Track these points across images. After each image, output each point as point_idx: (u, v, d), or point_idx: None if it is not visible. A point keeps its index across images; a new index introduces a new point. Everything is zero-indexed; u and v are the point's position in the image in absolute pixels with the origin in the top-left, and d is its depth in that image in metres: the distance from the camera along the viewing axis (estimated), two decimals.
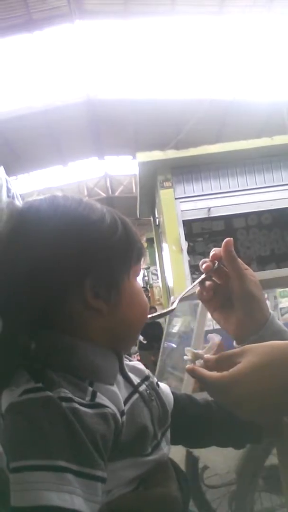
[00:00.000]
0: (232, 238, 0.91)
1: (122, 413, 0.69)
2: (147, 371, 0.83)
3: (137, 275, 0.78)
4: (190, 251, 7.74)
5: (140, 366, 0.82)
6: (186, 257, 6.82)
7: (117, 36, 11.34)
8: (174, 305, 0.94)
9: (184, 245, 6.76)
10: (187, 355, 0.83)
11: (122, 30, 11.20)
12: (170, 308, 0.97)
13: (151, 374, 0.83)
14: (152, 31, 11.18)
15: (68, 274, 0.68)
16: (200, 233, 8.44)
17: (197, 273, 8.31)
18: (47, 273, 0.67)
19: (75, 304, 0.69)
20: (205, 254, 8.56)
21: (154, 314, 0.91)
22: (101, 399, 0.67)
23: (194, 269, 8.15)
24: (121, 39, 11.39)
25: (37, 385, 0.64)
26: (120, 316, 0.73)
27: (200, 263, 0.94)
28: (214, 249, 0.92)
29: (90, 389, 0.68)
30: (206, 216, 6.98)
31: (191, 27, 11.00)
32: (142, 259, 0.79)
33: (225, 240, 0.90)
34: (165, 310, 0.98)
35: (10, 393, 0.65)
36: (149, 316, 0.82)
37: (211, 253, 0.94)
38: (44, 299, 0.68)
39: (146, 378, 0.81)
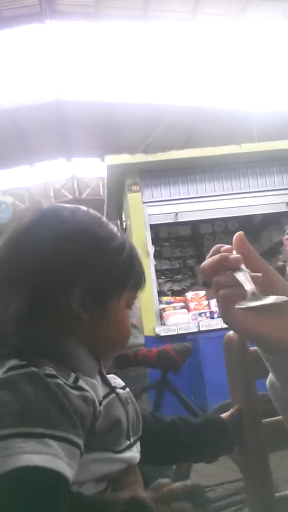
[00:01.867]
0: (243, 232, 0.82)
1: (100, 403, 0.73)
2: (123, 384, 0.84)
3: (130, 303, 0.82)
4: (157, 255, 7.74)
5: (118, 379, 0.85)
6: (152, 261, 6.81)
7: (88, 38, 11.32)
8: None
9: (151, 249, 6.75)
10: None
11: (93, 32, 11.17)
12: None
13: (127, 388, 0.85)
14: (123, 35, 11.19)
15: (59, 278, 0.73)
16: (167, 238, 8.46)
17: (162, 277, 8.32)
18: (43, 270, 0.73)
19: (63, 306, 0.73)
20: (171, 259, 8.59)
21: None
22: (83, 384, 0.71)
23: (160, 273, 8.16)
24: (92, 41, 11.37)
25: (22, 362, 0.67)
26: (99, 332, 0.77)
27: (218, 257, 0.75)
28: (222, 247, 0.77)
29: (73, 374, 0.71)
30: (174, 221, 7.00)
31: (163, 32, 11.06)
32: (139, 292, 0.84)
33: (237, 234, 0.80)
34: None
35: None
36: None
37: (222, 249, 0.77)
38: (36, 295, 0.72)
39: (124, 387, 0.83)
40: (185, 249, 8.65)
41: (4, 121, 11.59)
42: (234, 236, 0.79)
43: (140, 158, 6.85)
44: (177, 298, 7.04)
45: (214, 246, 0.77)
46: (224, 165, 6.86)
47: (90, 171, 16.07)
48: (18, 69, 11.63)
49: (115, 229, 0.84)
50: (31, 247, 0.74)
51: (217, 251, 0.75)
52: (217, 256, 0.74)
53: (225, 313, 0.71)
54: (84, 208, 0.83)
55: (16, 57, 11.31)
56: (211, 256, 0.74)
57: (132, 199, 6.79)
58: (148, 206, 6.82)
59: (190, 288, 7.98)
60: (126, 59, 11.74)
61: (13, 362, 0.67)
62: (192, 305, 6.58)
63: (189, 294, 6.83)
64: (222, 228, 8.52)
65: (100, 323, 0.77)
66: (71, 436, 0.63)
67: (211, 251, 0.76)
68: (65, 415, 0.63)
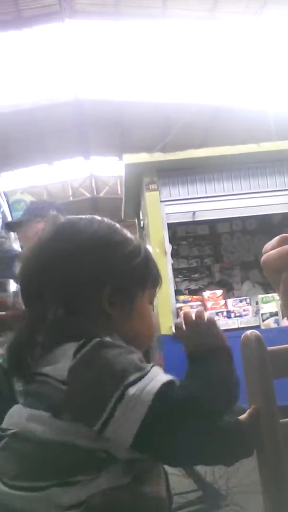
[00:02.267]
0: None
1: None
2: None
3: (151, 300, 0.92)
4: (174, 254, 7.73)
5: None
6: (169, 260, 6.81)
7: (107, 37, 11.33)
8: None
9: (168, 248, 6.75)
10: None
11: (112, 31, 11.18)
12: None
13: None
14: (142, 33, 11.19)
15: (89, 281, 0.82)
16: (184, 237, 8.44)
17: (179, 276, 8.31)
18: (72, 273, 0.81)
19: (94, 306, 0.81)
20: (189, 258, 8.57)
21: None
22: None
23: (177, 272, 8.14)
24: (111, 40, 11.37)
25: (79, 342, 0.76)
26: (129, 327, 0.85)
27: None
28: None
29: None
30: (191, 219, 6.98)
31: (182, 30, 11.03)
32: (157, 289, 0.93)
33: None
34: None
35: (61, 364, 0.76)
36: None
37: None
38: (70, 299, 0.80)
39: None
40: (203, 248, 8.62)
41: (23, 121, 11.67)
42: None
43: (157, 157, 6.85)
44: (194, 297, 7.03)
45: (279, 236, 0.63)
46: (242, 163, 6.82)
47: (108, 170, 16.11)
48: (37, 69, 11.69)
49: (129, 234, 0.91)
50: (57, 258, 0.82)
51: (285, 241, 0.61)
52: (287, 247, 0.60)
53: None
54: (98, 217, 0.90)
55: (35, 56, 11.38)
56: (275, 247, 0.60)
57: (150, 197, 6.79)
58: (166, 205, 6.81)
59: (207, 287, 7.96)
60: (144, 58, 11.73)
61: (71, 350, 0.76)
62: (209, 304, 6.56)
63: (206, 293, 6.82)
64: (240, 227, 8.48)
65: (128, 318, 0.84)
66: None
67: (275, 241, 0.62)
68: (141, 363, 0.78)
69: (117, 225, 0.91)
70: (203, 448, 0.78)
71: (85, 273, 0.82)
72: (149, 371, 0.75)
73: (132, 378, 0.73)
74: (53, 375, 0.76)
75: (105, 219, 0.90)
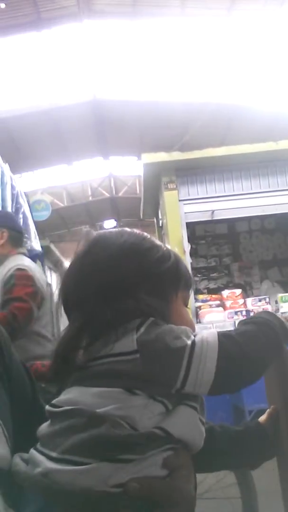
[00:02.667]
0: None
1: None
2: None
3: (186, 301, 0.97)
4: (193, 253, 7.73)
5: None
6: (188, 259, 6.81)
7: (125, 37, 11.36)
8: None
9: (187, 247, 6.75)
10: None
11: (130, 30, 11.21)
12: None
13: None
14: (160, 33, 11.18)
15: (126, 283, 0.89)
16: (203, 236, 8.43)
17: (198, 275, 8.30)
18: (113, 281, 0.89)
19: (133, 308, 0.87)
20: (207, 257, 8.56)
21: None
22: None
23: (196, 271, 8.14)
24: (129, 40, 11.40)
25: (138, 320, 0.85)
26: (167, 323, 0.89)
27: None
28: None
29: None
30: (210, 218, 6.98)
31: (200, 29, 11.00)
32: (190, 288, 0.99)
33: None
34: None
35: (125, 339, 0.83)
36: None
37: None
38: (112, 304, 0.87)
39: None
40: (221, 247, 8.60)
41: (43, 121, 11.76)
42: None
43: (176, 156, 6.85)
44: (213, 296, 7.02)
45: None
46: (261, 162, 6.79)
47: (127, 170, 16.14)
48: (56, 69, 11.77)
49: (158, 242, 0.97)
50: (95, 269, 0.90)
51: None
52: None
53: None
54: (128, 229, 0.98)
55: (54, 57, 11.46)
56: None
57: (168, 197, 6.80)
58: (184, 204, 6.82)
59: (226, 286, 7.94)
60: (163, 57, 11.73)
61: (134, 324, 0.85)
62: (228, 303, 6.55)
63: (225, 292, 6.81)
64: (258, 226, 8.45)
65: (166, 318, 0.89)
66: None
67: None
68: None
69: (146, 234, 0.98)
70: (267, 366, 0.90)
71: (120, 279, 0.89)
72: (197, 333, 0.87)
73: (193, 334, 0.84)
74: (121, 350, 0.83)
75: (135, 230, 0.98)
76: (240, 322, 0.94)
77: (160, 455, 0.78)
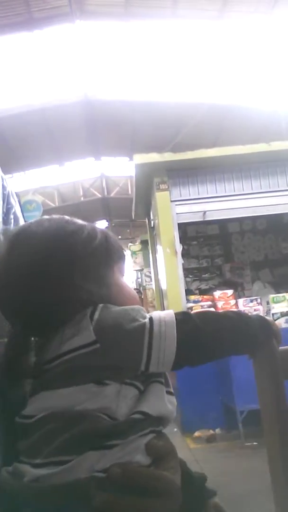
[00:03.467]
0: None
1: None
2: None
3: (122, 272, 0.96)
4: (185, 254, 7.75)
5: None
6: (180, 260, 6.82)
7: (117, 38, 11.35)
8: None
9: (179, 248, 6.76)
10: None
11: (122, 31, 11.21)
12: None
13: None
14: (152, 34, 11.20)
15: (58, 273, 0.84)
16: (195, 237, 8.45)
17: (190, 276, 8.31)
18: (43, 275, 0.83)
19: (72, 295, 0.84)
20: (199, 258, 8.57)
21: None
22: None
23: (188, 272, 8.15)
24: (121, 41, 11.40)
25: (88, 309, 0.84)
26: (112, 301, 0.87)
27: None
28: None
29: None
30: (201, 219, 6.99)
31: (192, 30, 11.03)
32: (124, 260, 0.98)
33: None
34: None
35: (82, 332, 0.81)
36: None
37: None
38: (46, 295, 0.83)
39: None
40: (213, 248, 8.62)
41: (35, 121, 11.74)
42: None
43: (168, 157, 6.86)
44: (205, 297, 7.03)
45: None
46: (253, 163, 6.81)
47: (118, 170, 16.15)
48: (48, 69, 11.75)
49: (80, 221, 0.94)
50: (23, 265, 0.85)
51: None
52: None
53: None
54: (46, 216, 0.94)
55: (46, 57, 11.44)
56: None
57: (160, 197, 6.81)
58: (176, 204, 6.82)
59: (218, 287, 7.96)
60: (154, 58, 11.74)
61: (88, 310, 0.84)
62: (219, 304, 6.56)
63: (217, 293, 6.82)
64: (250, 227, 8.47)
65: (109, 296, 0.88)
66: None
67: None
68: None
69: (67, 217, 0.94)
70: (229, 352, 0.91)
71: (51, 270, 0.84)
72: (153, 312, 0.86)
73: (148, 314, 0.84)
74: (79, 343, 0.80)
75: (54, 216, 0.93)
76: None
77: (142, 439, 0.78)
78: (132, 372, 0.80)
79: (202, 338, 0.83)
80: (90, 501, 0.72)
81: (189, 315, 0.86)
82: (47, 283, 0.83)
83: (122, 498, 0.73)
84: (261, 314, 6.10)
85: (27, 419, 0.80)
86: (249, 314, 0.94)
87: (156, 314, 0.84)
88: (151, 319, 0.82)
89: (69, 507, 0.73)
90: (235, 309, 1.00)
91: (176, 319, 0.83)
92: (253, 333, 0.90)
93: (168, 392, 0.84)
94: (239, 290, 8.06)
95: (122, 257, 0.97)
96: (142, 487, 0.75)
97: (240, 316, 0.90)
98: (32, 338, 0.87)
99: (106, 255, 0.92)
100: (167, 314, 0.84)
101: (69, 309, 0.84)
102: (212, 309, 6.48)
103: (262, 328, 0.91)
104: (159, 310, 0.90)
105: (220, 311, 0.94)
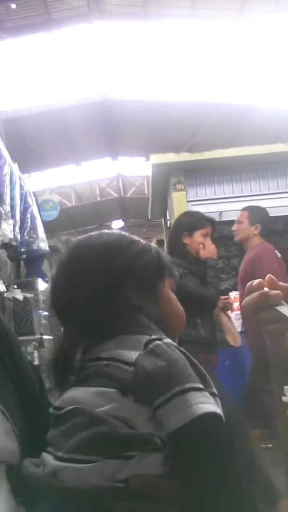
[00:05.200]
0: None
1: None
2: None
3: (172, 287, 1.01)
4: None
5: None
6: None
7: (135, 38, 11.37)
8: None
9: None
10: None
11: (140, 31, 11.22)
12: None
13: None
14: (170, 34, 11.18)
15: (114, 282, 0.92)
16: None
17: None
18: (99, 283, 0.91)
19: (124, 304, 0.90)
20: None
21: None
22: None
23: None
24: (139, 41, 11.41)
25: (148, 336, 0.85)
26: (160, 313, 0.93)
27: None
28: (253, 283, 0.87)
29: None
30: (218, 220, 6.95)
31: (210, 30, 10.99)
32: (175, 277, 1.03)
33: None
34: None
35: (130, 351, 0.84)
36: None
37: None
38: (100, 302, 0.90)
39: None
40: (229, 249, 8.57)
41: (52, 121, 11.80)
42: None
43: (185, 157, 6.84)
44: (221, 297, 6.98)
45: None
46: (270, 163, 6.77)
47: (135, 170, 16.16)
48: (66, 69, 11.80)
49: (135, 237, 1.02)
50: (81, 274, 0.93)
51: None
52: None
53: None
54: (105, 230, 1.02)
55: (65, 57, 11.49)
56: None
57: (177, 197, 6.80)
58: (193, 205, 6.81)
59: (234, 287, 7.91)
60: (173, 58, 11.73)
61: (144, 340, 0.85)
62: (235, 305, 6.52)
63: (233, 294, 6.77)
64: None
65: (157, 306, 0.93)
66: (209, 389, 0.82)
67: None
68: (201, 372, 0.84)
69: (123, 231, 1.03)
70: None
71: (106, 279, 0.92)
72: (211, 392, 0.82)
73: (196, 385, 0.80)
74: (121, 358, 0.84)
75: (113, 230, 1.03)
76: None
77: (160, 453, 0.79)
78: (147, 406, 0.81)
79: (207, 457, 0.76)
80: (109, 510, 0.74)
81: (217, 437, 0.78)
82: (103, 290, 0.91)
83: (142, 506, 0.76)
84: None
85: (58, 410, 0.86)
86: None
87: (199, 394, 0.79)
88: (190, 389, 0.78)
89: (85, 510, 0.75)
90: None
91: (206, 414, 0.77)
92: None
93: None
94: None
95: (173, 274, 1.02)
96: (160, 497, 0.76)
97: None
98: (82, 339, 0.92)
99: (158, 269, 0.98)
100: (207, 406, 0.78)
101: (119, 316, 0.89)
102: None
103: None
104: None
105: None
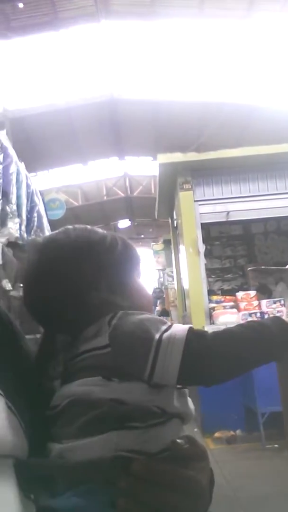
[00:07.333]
0: None
1: None
2: None
3: (139, 275, 1.03)
4: (207, 254, 7.71)
5: None
6: (203, 260, 6.79)
7: (143, 37, 11.36)
8: None
9: (202, 248, 6.73)
10: None
11: (147, 31, 11.21)
12: None
13: None
14: (177, 33, 11.17)
15: (86, 280, 0.91)
16: (218, 237, 8.41)
17: (213, 276, 8.27)
18: (72, 282, 0.91)
19: (97, 300, 0.91)
20: (222, 258, 8.53)
21: None
22: None
23: (211, 272, 8.11)
24: (146, 40, 11.40)
25: (109, 315, 0.87)
26: (132, 304, 0.94)
27: None
28: None
29: None
30: (225, 220, 6.95)
31: (218, 30, 10.97)
32: (140, 262, 1.04)
33: None
34: None
35: (100, 336, 0.86)
36: None
37: None
38: (74, 301, 0.90)
39: None
40: (236, 249, 8.58)
41: (59, 120, 11.82)
42: None
43: (192, 156, 6.84)
44: (227, 297, 6.98)
45: None
46: (277, 163, 6.75)
47: (142, 170, 16.16)
48: (73, 69, 11.82)
49: (101, 230, 1.01)
50: (54, 275, 0.92)
51: None
52: None
53: None
54: (70, 226, 1.00)
55: (72, 56, 11.51)
56: None
57: (184, 197, 6.79)
58: (200, 204, 6.80)
59: (241, 287, 7.90)
60: (180, 58, 11.71)
61: (106, 319, 0.87)
62: (242, 305, 6.51)
63: (240, 294, 6.76)
64: (274, 228, 8.40)
65: (131, 298, 0.95)
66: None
67: None
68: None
69: (89, 226, 1.01)
70: (245, 369, 0.89)
71: (79, 276, 0.92)
72: (172, 324, 0.87)
73: (163, 327, 0.84)
74: (96, 345, 0.86)
75: (77, 226, 1.00)
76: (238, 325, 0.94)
77: (162, 428, 0.82)
78: (136, 378, 0.82)
79: (212, 359, 0.83)
80: (115, 480, 0.76)
81: (202, 334, 0.85)
82: (76, 290, 0.91)
83: (146, 485, 0.77)
84: (284, 315, 6.06)
85: (55, 408, 0.87)
86: (268, 319, 0.93)
87: (172, 329, 0.85)
88: (162, 333, 0.83)
89: (93, 483, 0.77)
90: (255, 320, 0.96)
91: (186, 337, 0.82)
92: (275, 343, 0.89)
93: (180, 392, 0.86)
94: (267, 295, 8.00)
95: (139, 261, 1.03)
96: (165, 482, 0.77)
97: (260, 328, 0.88)
98: (62, 338, 0.93)
99: (127, 260, 0.99)
100: (180, 330, 0.84)
101: (93, 312, 0.90)
102: (245, 317, 6.46)
103: (283, 335, 0.89)
104: (179, 323, 0.92)
105: (239, 326, 0.90)
